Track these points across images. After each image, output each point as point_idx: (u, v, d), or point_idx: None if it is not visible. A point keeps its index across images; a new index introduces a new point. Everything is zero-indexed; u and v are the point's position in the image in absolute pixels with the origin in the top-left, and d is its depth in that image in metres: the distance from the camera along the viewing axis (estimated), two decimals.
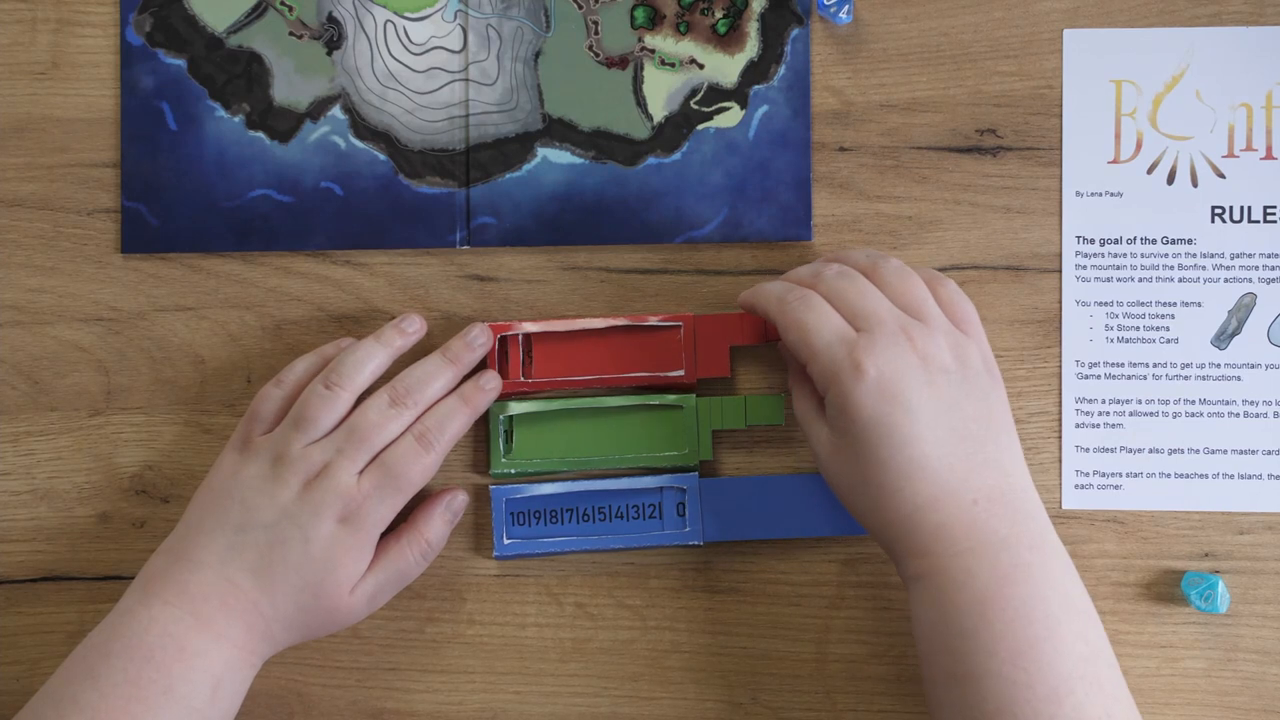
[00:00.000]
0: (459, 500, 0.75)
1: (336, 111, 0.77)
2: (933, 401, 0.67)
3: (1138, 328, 0.77)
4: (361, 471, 0.70)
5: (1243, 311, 0.76)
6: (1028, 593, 0.65)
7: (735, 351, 0.77)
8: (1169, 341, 0.76)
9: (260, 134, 0.77)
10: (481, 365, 0.75)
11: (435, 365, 0.73)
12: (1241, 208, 0.76)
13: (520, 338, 0.76)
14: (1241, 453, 0.76)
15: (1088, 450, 0.76)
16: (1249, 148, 0.77)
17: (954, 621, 0.65)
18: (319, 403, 0.71)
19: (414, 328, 0.75)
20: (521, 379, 0.76)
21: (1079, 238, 0.77)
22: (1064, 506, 0.76)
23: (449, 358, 0.74)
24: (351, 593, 0.70)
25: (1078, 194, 0.77)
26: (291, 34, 0.78)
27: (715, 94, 0.77)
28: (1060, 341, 0.77)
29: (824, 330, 0.68)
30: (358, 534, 0.70)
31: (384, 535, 0.72)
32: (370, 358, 0.73)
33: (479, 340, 0.74)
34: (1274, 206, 0.76)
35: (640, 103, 0.77)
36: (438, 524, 0.73)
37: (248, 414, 0.73)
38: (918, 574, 0.67)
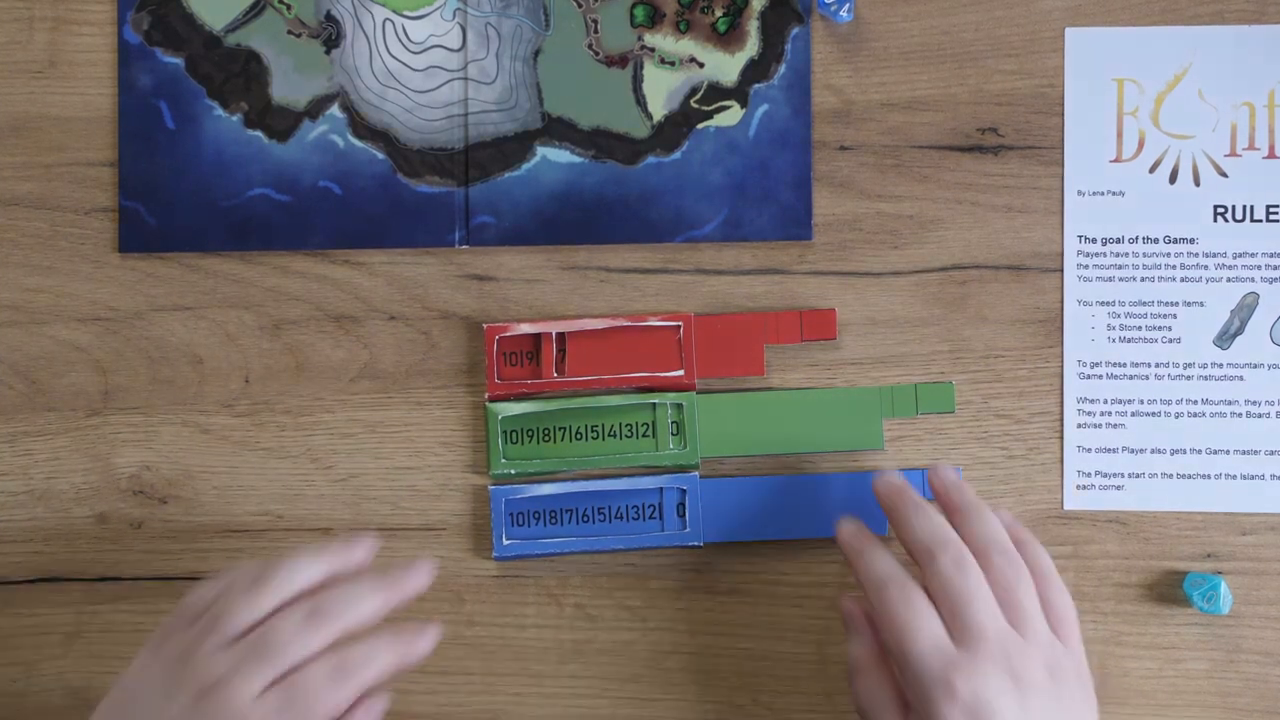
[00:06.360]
0: (376, 710, 0.65)
1: (335, 110, 0.77)
2: None
3: (1140, 327, 0.76)
4: (266, 689, 0.62)
5: (1245, 311, 0.76)
6: None
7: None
8: (1171, 341, 0.76)
9: (258, 133, 0.77)
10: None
11: (370, 588, 0.65)
12: (1244, 207, 0.76)
13: (555, 335, 0.75)
14: (1244, 453, 0.76)
15: (1090, 450, 0.76)
16: (1251, 147, 0.76)
17: None
18: (239, 600, 0.63)
19: (362, 555, 0.66)
20: (554, 376, 0.75)
21: (1081, 237, 0.77)
22: (1066, 507, 0.76)
23: (388, 583, 0.65)
24: None
25: (1079, 193, 0.77)
26: (290, 32, 0.77)
27: (715, 93, 0.77)
28: (1062, 341, 0.76)
29: (921, 637, 0.65)
30: None
31: None
32: (310, 565, 0.65)
33: (422, 580, 0.66)
34: (1276, 206, 0.76)
35: (640, 101, 0.77)
36: None
37: (178, 606, 0.65)
38: None
